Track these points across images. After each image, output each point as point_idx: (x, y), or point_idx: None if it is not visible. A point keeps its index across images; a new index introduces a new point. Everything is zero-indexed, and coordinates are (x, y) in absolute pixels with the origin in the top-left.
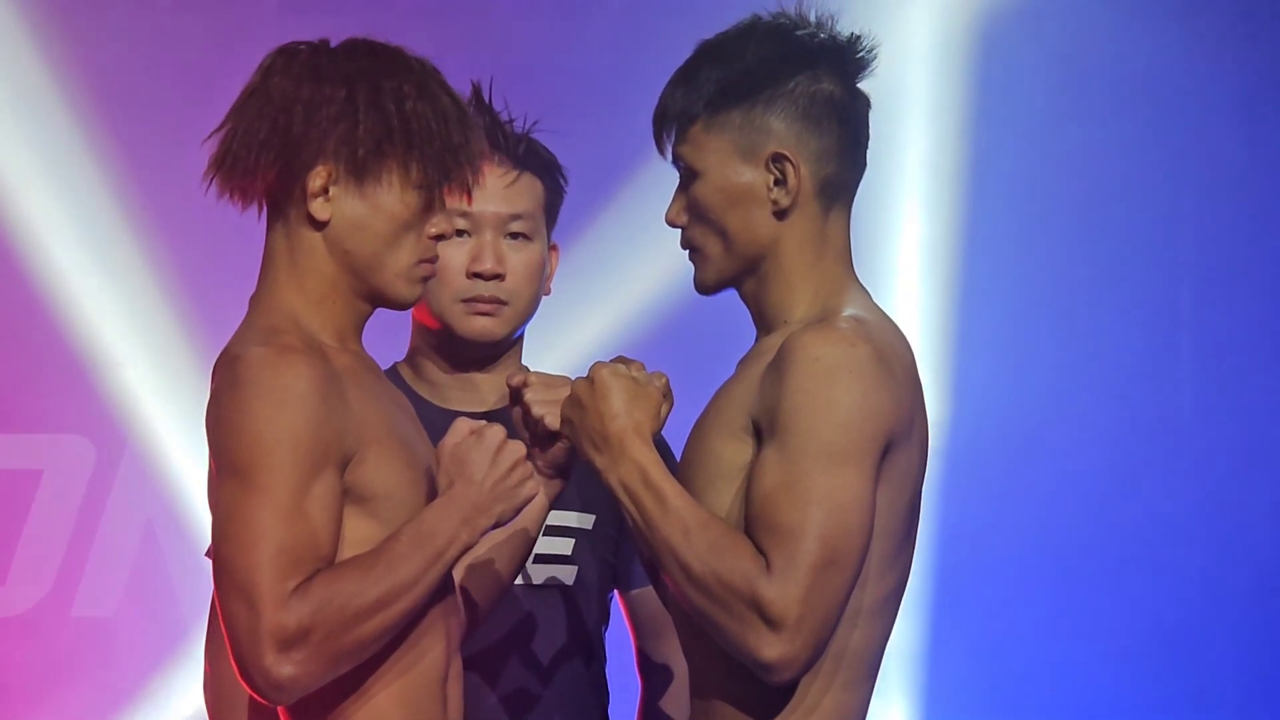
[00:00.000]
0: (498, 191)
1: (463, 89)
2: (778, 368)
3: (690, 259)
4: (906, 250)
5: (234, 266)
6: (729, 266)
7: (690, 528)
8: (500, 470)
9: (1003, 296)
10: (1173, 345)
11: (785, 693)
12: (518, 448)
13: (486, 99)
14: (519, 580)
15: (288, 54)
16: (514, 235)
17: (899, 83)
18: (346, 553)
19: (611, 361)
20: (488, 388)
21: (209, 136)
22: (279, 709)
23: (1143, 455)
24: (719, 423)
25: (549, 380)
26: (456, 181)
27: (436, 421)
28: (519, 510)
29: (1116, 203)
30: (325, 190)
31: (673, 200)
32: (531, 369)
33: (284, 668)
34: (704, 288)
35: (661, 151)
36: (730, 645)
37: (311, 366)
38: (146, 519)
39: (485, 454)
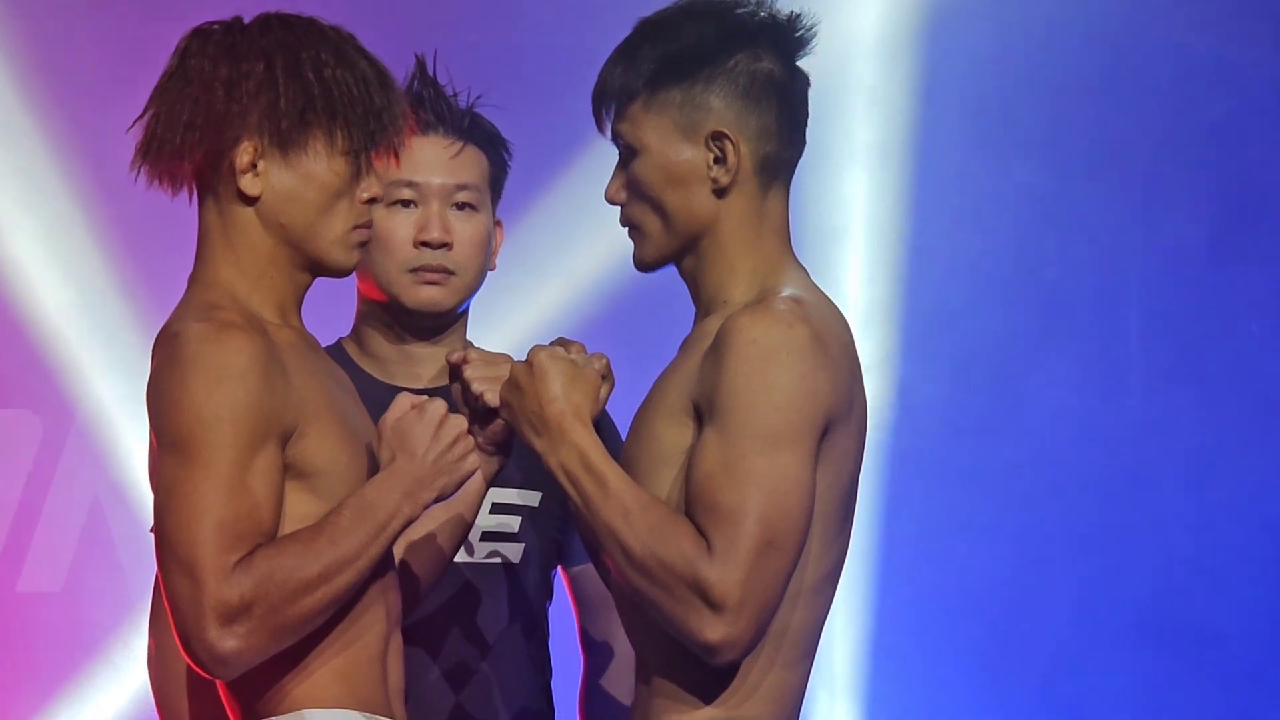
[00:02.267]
0: (443, 162)
1: (408, 63)
2: (717, 350)
3: (630, 236)
4: (854, 234)
5: (182, 242)
6: (668, 244)
7: (630, 510)
8: (442, 445)
9: (949, 280)
10: (1124, 328)
11: (728, 672)
12: (459, 422)
13: (431, 72)
14: (465, 557)
15: (202, 34)
16: (460, 206)
17: (847, 68)
18: (288, 528)
19: (551, 344)
20: (432, 363)
21: (132, 124)
22: (219, 684)
23: (1094, 443)
24: (661, 406)
25: (488, 357)
26: (382, 144)
27: (381, 398)
28: (461, 484)
29: (1063, 190)
30: (254, 165)
31: (612, 177)
32: (476, 346)
33: (226, 642)
34: (643, 265)
35: (601, 129)
36: (672, 628)
37: (251, 341)
38: (93, 494)
39: (427, 428)
